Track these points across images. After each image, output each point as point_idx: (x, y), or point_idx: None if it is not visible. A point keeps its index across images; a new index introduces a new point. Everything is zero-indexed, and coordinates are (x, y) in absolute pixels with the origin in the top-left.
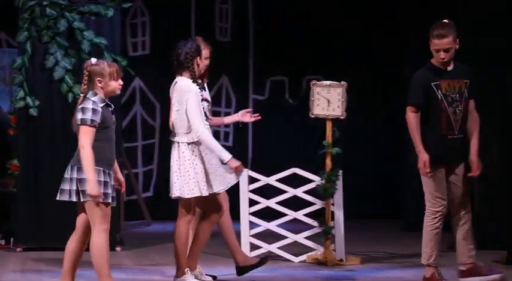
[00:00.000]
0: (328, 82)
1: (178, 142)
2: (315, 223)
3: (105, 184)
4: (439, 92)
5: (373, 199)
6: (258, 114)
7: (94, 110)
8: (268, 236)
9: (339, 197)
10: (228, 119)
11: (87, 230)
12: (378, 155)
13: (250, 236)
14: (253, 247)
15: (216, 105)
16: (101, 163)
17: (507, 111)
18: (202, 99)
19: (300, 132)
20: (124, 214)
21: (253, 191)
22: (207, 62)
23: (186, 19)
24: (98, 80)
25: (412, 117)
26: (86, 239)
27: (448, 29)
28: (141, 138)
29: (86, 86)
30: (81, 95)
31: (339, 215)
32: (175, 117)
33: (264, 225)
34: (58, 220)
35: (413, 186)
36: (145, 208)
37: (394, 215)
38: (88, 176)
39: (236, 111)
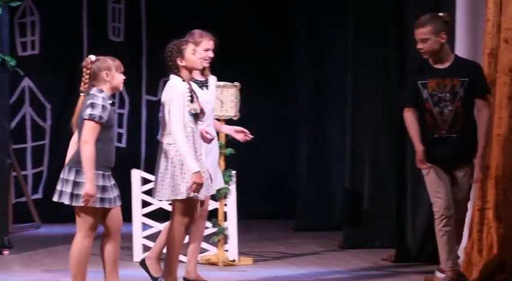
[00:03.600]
0: (221, 83)
1: (163, 142)
2: (208, 224)
3: (104, 188)
4: (425, 91)
5: (266, 200)
6: (251, 136)
7: (104, 107)
8: None
9: (232, 197)
10: (225, 129)
11: (116, 232)
12: (271, 156)
13: (143, 237)
14: (146, 248)
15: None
16: (100, 165)
17: (391, 103)
18: (192, 101)
19: None
20: (13, 216)
21: (145, 193)
22: (206, 54)
23: (78, 18)
24: (106, 73)
25: (405, 117)
26: (117, 239)
27: (429, 19)
28: (30, 140)
29: (86, 85)
30: (81, 94)
31: (232, 215)
32: (161, 117)
33: (156, 226)
34: None
35: (304, 187)
36: (35, 210)
37: (286, 216)
38: (87, 174)
39: (130, 113)
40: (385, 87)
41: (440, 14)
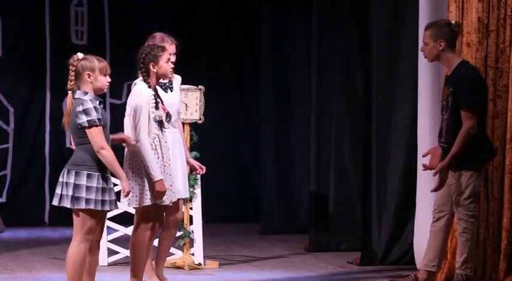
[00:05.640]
0: (185, 86)
1: (128, 149)
2: None
3: (103, 190)
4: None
5: (232, 203)
6: (204, 171)
7: (95, 109)
8: (126, 241)
9: (197, 201)
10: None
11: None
12: (235, 159)
13: (108, 241)
14: (111, 252)
15: None
16: (97, 167)
17: (356, 105)
18: (157, 107)
19: None
20: None
21: None
22: (172, 58)
23: (40, 21)
24: (88, 74)
25: None
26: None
27: (433, 23)
28: None
29: (72, 83)
30: (69, 92)
31: (198, 219)
32: (126, 121)
33: (121, 230)
34: None
35: (270, 190)
36: None
37: (252, 219)
38: (118, 175)
39: None
40: (350, 88)
41: (452, 21)
